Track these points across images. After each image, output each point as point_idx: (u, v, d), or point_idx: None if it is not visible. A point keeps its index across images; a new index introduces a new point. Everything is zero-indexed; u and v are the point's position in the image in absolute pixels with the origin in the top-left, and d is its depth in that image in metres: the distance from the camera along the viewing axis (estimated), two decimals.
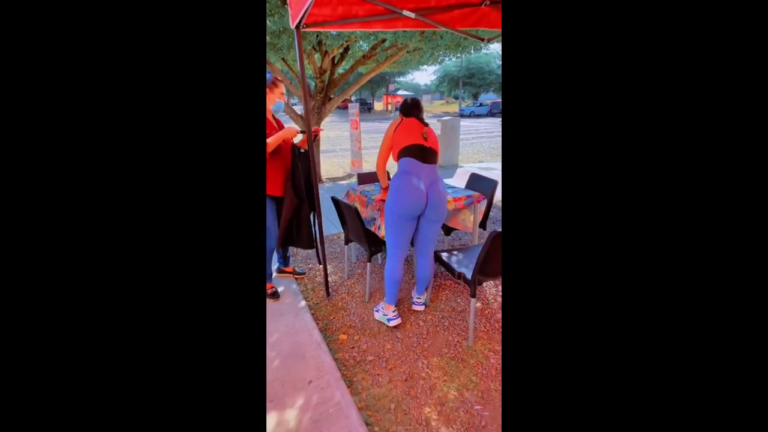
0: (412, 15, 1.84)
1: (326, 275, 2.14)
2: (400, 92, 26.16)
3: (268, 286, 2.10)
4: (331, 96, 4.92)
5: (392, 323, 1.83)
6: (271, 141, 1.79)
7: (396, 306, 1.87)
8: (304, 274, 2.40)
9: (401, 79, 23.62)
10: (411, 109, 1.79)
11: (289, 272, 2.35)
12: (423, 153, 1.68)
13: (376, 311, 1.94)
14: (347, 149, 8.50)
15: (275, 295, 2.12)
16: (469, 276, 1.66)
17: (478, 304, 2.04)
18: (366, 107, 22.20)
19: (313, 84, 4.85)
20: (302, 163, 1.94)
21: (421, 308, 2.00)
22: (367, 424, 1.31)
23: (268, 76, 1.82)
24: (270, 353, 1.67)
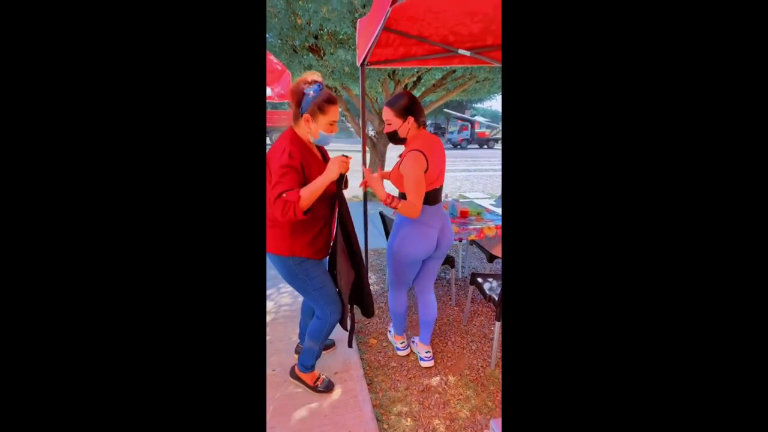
0: (467, 53, 2.00)
1: (368, 284, 2.32)
2: (476, 118, 26.02)
3: (312, 375, 1.57)
4: None
5: (401, 353, 1.83)
6: (312, 190, 1.17)
7: (404, 336, 1.85)
8: (333, 346, 1.89)
9: (478, 105, 23.49)
10: (420, 113, 1.45)
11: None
12: (437, 196, 1.51)
13: (390, 331, 1.97)
14: None
15: (329, 387, 1.58)
16: (496, 298, 1.69)
17: None
18: (440, 132, 22.62)
19: None
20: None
21: (431, 363, 1.75)
22: (378, 420, 1.42)
23: (317, 88, 1.24)
24: None
